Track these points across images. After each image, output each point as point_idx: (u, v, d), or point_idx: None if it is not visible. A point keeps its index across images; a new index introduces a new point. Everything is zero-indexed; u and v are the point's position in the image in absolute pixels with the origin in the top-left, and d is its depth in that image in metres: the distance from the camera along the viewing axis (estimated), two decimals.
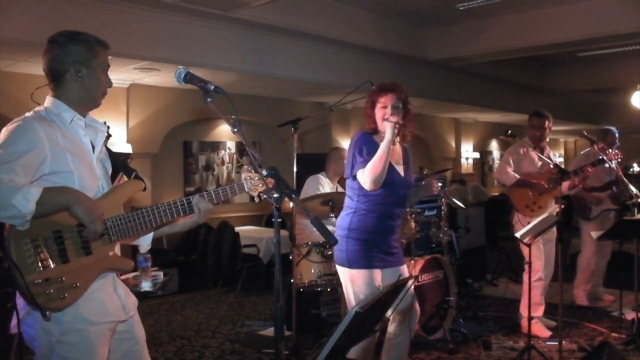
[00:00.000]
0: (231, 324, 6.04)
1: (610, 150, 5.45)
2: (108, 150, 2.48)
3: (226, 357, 5.01)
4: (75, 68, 2.22)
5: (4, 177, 1.91)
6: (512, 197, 5.32)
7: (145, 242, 2.55)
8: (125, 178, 2.69)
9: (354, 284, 3.41)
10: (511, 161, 5.36)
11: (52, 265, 2.03)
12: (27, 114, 2.18)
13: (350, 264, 3.41)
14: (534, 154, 5.26)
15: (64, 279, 2.05)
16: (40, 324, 2.09)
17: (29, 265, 2.00)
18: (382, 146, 3.31)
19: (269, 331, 5.69)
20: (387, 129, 3.33)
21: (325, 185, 5.63)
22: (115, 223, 2.20)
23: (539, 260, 5.18)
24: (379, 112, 3.44)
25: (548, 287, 5.48)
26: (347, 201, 3.55)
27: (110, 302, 2.24)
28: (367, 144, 3.42)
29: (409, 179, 3.59)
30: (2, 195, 1.88)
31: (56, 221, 2.05)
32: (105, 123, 2.41)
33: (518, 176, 5.24)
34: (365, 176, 3.31)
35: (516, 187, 5.27)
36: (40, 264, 2.01)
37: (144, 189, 2.38)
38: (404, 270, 3.61)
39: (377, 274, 3.43)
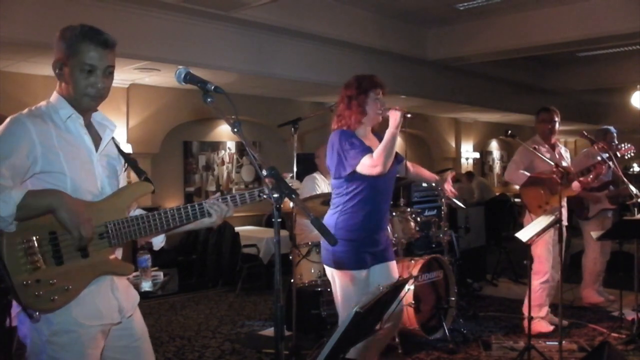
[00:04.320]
0: (231, 324, 6.04)
1: (623, 145, 5.49)
2: (121, 151, 2.42)
3: (226, 357, 5.00)
4: (56, 65, 2.18)
5: None
6: (524, 197, 5.26)
7: (157, 240, 2.48)
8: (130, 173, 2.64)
9: (342, 284, 3.40)
10: (520, 161, 5.31)
11: (44, 267, 2.00)
12: (24, 111, 2.13)
13: (337, 265, 3.39)
14: (544, 152, 5.21)
15: (55, 281, 2.01)
16: (32, 322, 2.08)
17: (20, 265, 1.97)
18: (392, 131, 3.28)
19: (269, 331, 5.69)
20: (394, 117, 3.32)
21: (321, 183, 5.63)
22: (117, 227, 2.14)
23: (547, 262, 5.16)
24: (372, 105, 3.43)
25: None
26: (334, 200, 3.50)
27: (105, 305, 2.19)
28: (355, 137, 3.39)
29: (394, 170, 3.54)
30: None
31: (52, 222, 2.01)
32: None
33: (527, 174, 5.19)
34: (376, 160, 3.25)
35: (528, 187, 5.21)
36: (31, 265, 1.98)
37: (153, 192, 2.30)
38: (394, 266, 3.58)
39: (365, 273, 3.41)
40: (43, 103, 2.20)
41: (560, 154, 5.42)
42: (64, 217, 1.95)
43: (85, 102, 2.17)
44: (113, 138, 2.38)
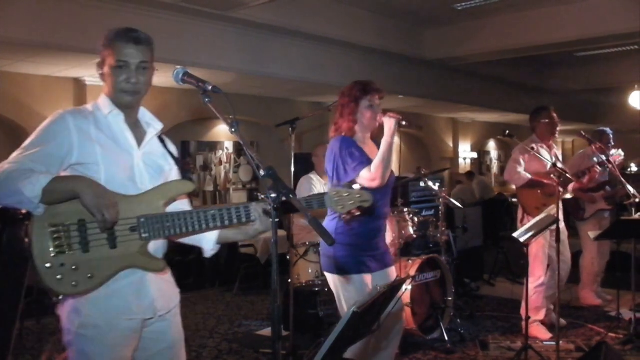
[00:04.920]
0: (228, 324, 6.04)
1: (613, 152, 5.48)
2: (169, 151, 2.43)
3: (223, 357, 5.00)
4: (98, 67, 2.28)
5: (23, 166, 2.00)
6: (521, 198, 5.23)
7: (208, 247, 2.46)
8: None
9: (346, 290, 3.37)
10: (522, 160, 5.23)
11: (69, 252, 2.03)
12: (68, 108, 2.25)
13: (340, 271, 3.36)
14: (543, 152, 5.21)
15: (78, 267, 2.04)
16: (67, 310, 2.13)
17: (46, 248, 2.01)
18: (387, 140, 3.29)
19: (267, 331, 5.69)
20: (388, 125, 3.32)
21: (317, 184, 5.61)
22: (150, 221, 2.15)
23: (542, 264, 5.14)
24: (365, 112, 3.41)
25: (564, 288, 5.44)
26: None
27: (136, 300, 2.19)
28: (355, 147, 3.37)
29: (393, 175, 3.53)
30: (13, 181, 1.95)
31: (83, 210, 2.04)
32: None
33: (529, 176, 5.15)
34: (375, 173, 3.25)
35: (526, 188, 5.18)
36: (56, 249, 2.02)
37: (193, 191, 2.30)
38: (393, 272, 3.57)
39: (368, 278, 3.39)
40: (90, 103, 2.30)
41: (556, 156, 5.41)
42: (87, 201, 1.98)
43: (122, 98, 2.24)
44: (164, 138, 2.43)
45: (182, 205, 2.43)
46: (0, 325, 3.40)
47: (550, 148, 5.36)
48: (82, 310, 2.11)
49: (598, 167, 5.27)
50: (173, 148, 2.47)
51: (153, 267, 2.22)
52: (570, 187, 5.13)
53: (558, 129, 5.35)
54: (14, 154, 2.08)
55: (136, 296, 2.19)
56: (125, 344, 2.19)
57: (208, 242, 2.45)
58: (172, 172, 2.40)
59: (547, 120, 5.31)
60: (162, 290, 2.30)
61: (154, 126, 2.37)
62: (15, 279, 3.42)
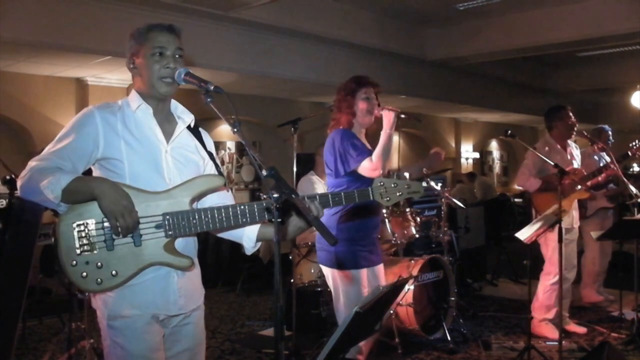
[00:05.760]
0: (231, 324, 6.04)
1: (634, 144, 5.46)
2: (203, 145, 2.40)
3: (226, 357, 5.00)
4: (130, 61, 2.26)
5: (49, 164, 2.04)
6: (536, 202, 5.17)
7: (248, 245, 2.40)
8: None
9: (343, 283, 3.42)
10: (532, 166, 5.14)
11: (94, 250, 2.06)
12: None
13: (339, 266, 3.41)
14: (562, 152, 5.18)
15: (102, 265, 2.06)
16: (98, 304, 2.17)
17: (72, 246, 2.04)
18: (387, 132, 3.34)
19: (269, 331, 5.69)
20: (387, 117, 3.37)
21: (318, 184, 5.62)
22: (176, 218, 2.12)
23: (559, 263, 5.10)
24: (361, 104, 3.46)
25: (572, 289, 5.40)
26: None
27: (160, 295, 2.19)
28: (355, 138, 3.43)
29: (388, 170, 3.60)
30: (37, 180, 1.99)
31: None
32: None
33: (540, 181, 5.07)
34: (376, 163, 3.28)
35: (540, 192, 5.12)
36: (81, 247, 2.04)
37: (225, 185, 2.26)
38: (381, 269, 3.62)
39: (364, 272, 3.45)
40: (121, 99, 2.29)
41: (571, 154, 5.35)
42: (103, 205, 2.00)
43: (160, 88, 2.21)
44: (200, 131, 2.41)
45: (223, 199, 2.38)
46: (2, 325, 3.40)
47: (564, 148, 5.30)
48: (109, 302, 2.14)
49: (613, 165, 5.26)
50: (210, 142, 2.45)
51: (179, 264, 2.18)
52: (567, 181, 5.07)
53: (575, 129, 5.30)
54: (46, 149, 2.12)
55: (161, 291, 2.20)
56: (154, 331, 2.20)
57: (248, 240, 2.40)
58: (207, 167, 2.38)
59: (566, 121, 5.22)
60: (187, 289, 2.30)
61: (184, 119, 2.34)
62: (18, 278, 3.42)
